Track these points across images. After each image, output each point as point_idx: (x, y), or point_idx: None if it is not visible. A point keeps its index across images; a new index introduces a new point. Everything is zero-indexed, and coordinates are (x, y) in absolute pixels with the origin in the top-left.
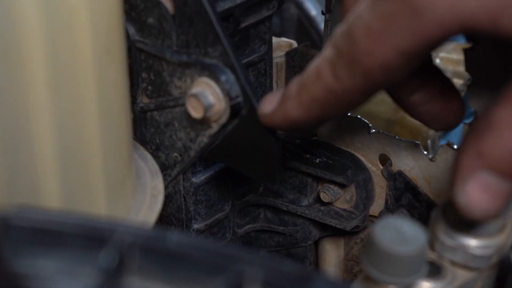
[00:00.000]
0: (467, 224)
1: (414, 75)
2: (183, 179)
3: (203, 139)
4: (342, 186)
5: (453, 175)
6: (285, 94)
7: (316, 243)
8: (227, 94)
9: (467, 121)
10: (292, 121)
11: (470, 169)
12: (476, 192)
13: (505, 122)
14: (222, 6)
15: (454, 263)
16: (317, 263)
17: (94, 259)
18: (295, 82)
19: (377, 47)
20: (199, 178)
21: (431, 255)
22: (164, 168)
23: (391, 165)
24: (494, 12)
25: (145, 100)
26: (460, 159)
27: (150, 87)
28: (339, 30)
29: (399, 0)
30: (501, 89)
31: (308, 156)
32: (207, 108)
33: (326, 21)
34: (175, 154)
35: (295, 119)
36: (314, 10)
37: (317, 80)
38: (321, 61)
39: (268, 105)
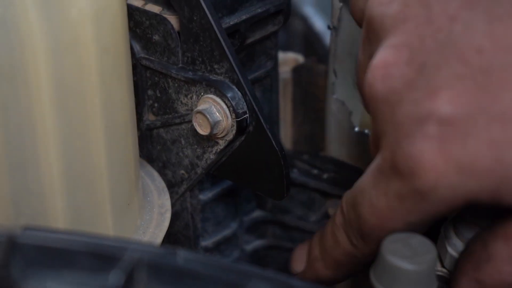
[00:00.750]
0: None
1: None
2: (190, 197)
3: (210, 156)
4: None
5: None
6: (311, 255)
7: None
8: (233, 110)
9: None
10: (325, 280)
11: None
12: None
13: (504, 258)
14: (228, 22)
15: None
16: None
17: (104, 279)
18: (317, 243)
19: (385, 223)
20: (206, 195)
21: (441, 271)
22: (171, 186)
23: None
24: (495, 190)
25: (151, 117)
26: (460, 283)
27: (156, 104)
28: (346, 198)
29: (402, 182)
30: (499, 222)
31: (316, 171)
32: (213, 125)
33: (332, 36)
34: (182, 171)
35: (327, 278)
36: (320, 25)
37: (336, 246)
38: (335, 227)
39: (299, 264)
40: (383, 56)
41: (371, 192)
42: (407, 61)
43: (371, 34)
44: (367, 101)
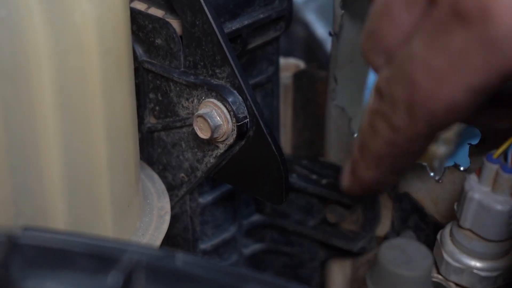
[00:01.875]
0: (472, 246)
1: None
2: (190, 200)
3: (210, 159)
4: (349, 207)
5: None
6: (352, 160)
7: (323, 264)
8: (234, 115)
9: (474, 142)
10: (370, 184)
11: None
12: None
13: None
14: (230, 27)
15: (459, 286)
16: (323, 284)
17: (103, 281)
18: (356, 143)
19: (444, 88)
20: (206, 199)
21: (437, 277)
22: (171, 189)
23: (397, 186)
24: None
25: (152, 120)
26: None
27: (157, 108)
28: (382, 76)
29: (470, 31)
30: None
31: (315, 177)
32: (214, 129)
33: (333, 43)
34: (182, 174)
35: (371, 181)
36: (321, 31)
37: (375, 136)
38: (371, 115)
39: (346, 180)
40: None
41: (425, 53)
42: None
43: None
44: None
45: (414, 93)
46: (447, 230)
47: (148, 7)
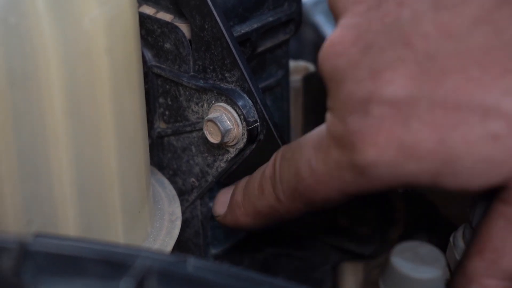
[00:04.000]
0: None
1: None
2: (201, 204)
3: (221, 164)
4: (361, 210)
5: None
6: (233, 200)
7: (335, 268)
8: (244, 119)
9: None
10: (243, 227)
11: None
12: None
13: (482, 273)
14: (239, 31)
15: None
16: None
17: (114, 287)
18: (240, 190)
19: (322, 188)
20: None
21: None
22: (182, 193)
23: (410, 189)
24: (433, 174)
25: (162, 125)
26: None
27: (167, 112)
28: (282, 152)
29: (343, 154)
30: (472, 238)
31: None
32: (224, 133)
33: None
34: (193, 179)
35: (245, 225)
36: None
37: (260, 196)
38: (263, 177)
39: (221, 208)
40: (332, 35)
41: (311, 154)
42: (353, 42)
43: (333, 16)
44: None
45: (298, 184)
46: (460, 232)
47: (157, 12)
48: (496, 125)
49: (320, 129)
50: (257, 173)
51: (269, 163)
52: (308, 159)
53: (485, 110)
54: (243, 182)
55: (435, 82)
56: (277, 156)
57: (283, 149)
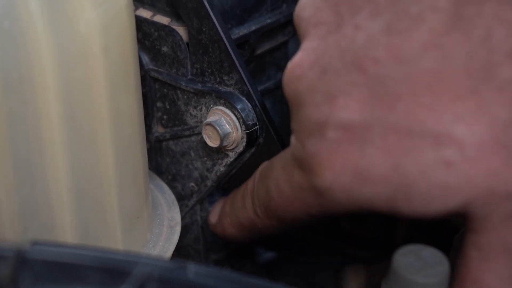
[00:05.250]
0: None
1: None
2: (201, 209)
3: (220, 168)
4: (363, 213)
5: None
6: (222, 210)
7: (337, 272)
8: (243, 122)
9: None
10: (229, 237)
11: None
12: None
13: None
14: (237, 33)
15: None
16: None
17: None
18: (229, 200)
19: (289, 208)
20: None
21: None
22: (181, 198)
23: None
24: (388, 200)
25: (160, 129)
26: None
27: (165, 116)
28: (261, 168)
29: (303, 175)
30: (454, 271)
31: None
32: (223, 137)
33: None
34: (192, 184)
35: (231, 236)
36: None
37: (242, 209)
38: (245, 191)
39: (214, 217)
40: (294, 59)
41: (279, 174)
42: (310, 65)
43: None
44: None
45: (269, 202)
46: (462, 234)
47: (154, 15)
48: (448, 152)
49: (286, 152)
50: (242, 186)
51: (251, 178)
52: (277, 179)
53: (437, 137)
54: (232, 194)
55: (387, 107)
56: (257, 172)
57: (262, 165)
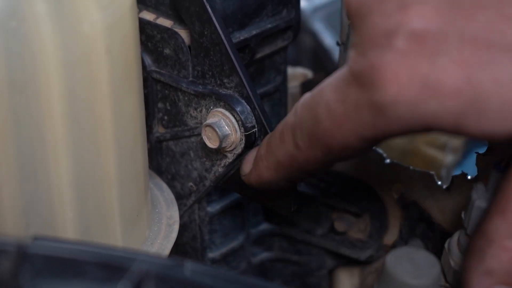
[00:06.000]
0: None
1: None
2: (199, 209)
3: (218, 169)
4: (357, 215)
5: None
6: (257, 154)
7: (331, 273)
8: (242, 124)
9: (481, 151)
10: (266, 182)
11: None
12: None
13: (503, 234)
14: (238, 37)
15: None
16: None
17: None
18: (265, 142)
19: (339, 130)
20: (214, 208)
21: (445, 286)
22: (180, 198)
23: (405, 195)
24: (457, 115)
25: (161, 129)
26: (470, 281)
27: (166, 117)
28: (304, 98)
29: (362, 92)
30: (492, 200)
31: (323, 185)
32: (222, 138)
33: (341, 52)
34: (191, 183)
35: (268, 180)
36: (329, 40)
37: (281, 145)
38: (284, 126)
39: (247, 165)
40: None
41: (330, 95)
42: None
43: None
44: (348, 15)
45: (316, 128)
46: (454, 238)
47: (157, 17)
48: None
49: (342, 69)
50: (280, 124)
51: (291, 111)
52: (327, 101)
53: None
54: (268, 135)
55: (466, 17)
56: (298, 103)
57: (305, 95)
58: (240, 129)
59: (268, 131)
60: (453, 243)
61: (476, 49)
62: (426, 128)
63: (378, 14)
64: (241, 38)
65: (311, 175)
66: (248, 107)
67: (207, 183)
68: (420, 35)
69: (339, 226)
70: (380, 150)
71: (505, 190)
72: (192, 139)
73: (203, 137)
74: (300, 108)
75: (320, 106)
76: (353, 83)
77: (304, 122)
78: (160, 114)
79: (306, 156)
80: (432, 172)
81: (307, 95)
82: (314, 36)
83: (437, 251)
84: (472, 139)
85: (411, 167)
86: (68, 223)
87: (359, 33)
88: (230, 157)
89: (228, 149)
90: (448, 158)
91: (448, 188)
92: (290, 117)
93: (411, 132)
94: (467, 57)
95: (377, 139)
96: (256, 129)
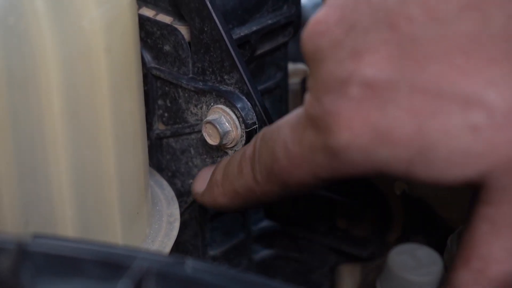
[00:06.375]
0: None
1: None
2: (199, 206)
3: None
4: (359, 212)
5: None
6: (212, 179)
7: (333, 270)
8: (243, 121)
9: None
10: (220, 207)
11: None
12: None
13: (469, 284)
14: (238, 33)
15: None
16: None
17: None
18: (221, 168)
19: (296, 170)
20: None
21: None
22: (180, 195)
23: (408, 191)
24: (407, 162)
25: (161, 127)
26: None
27: (166, 114)
28: (263, 133)
29: (317, 135)
30: (458, 249)
31: None
32: (223, 135)
33: None
34: (191, 181)
35: (222, 206)
36: None
37: (239, 176)
38: (243, 157)
39: (201, 185)
40: (317, 14)
41: (288, 135)
42: (337, 21)
43: None
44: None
45: (273, 164)
46: (457, 234)
47: (156, 14)
48: (477, 116)
49: (299, 111)
50: (238, 153)
51: (250, 143)
52: (284, 140)
53: (467, 100)
54: (224, 161)
55: (417, 67)
56: (257, 137)
57: (264, 130)
58: (240, 125)
59: None
60: (456, 240)
61: (426, 98)
62: (379, 173)
63: (332, 61)
64: (241, 34)
65: (266, 206)
66: (248, 103)
67: None
68: (372, 83)
69: (341, 223)
70: None
71: (466, 237)
72: (193, 136)
73: (204, 134)
74: (259, 142)
75: (277, 144)
76: (309, 126)
77: (262, 158)
78: (160, 111)
79: (263, 190)
80: None
81: (266, 130)
82: None
83: (440, 247)
84: (422, 184)
85: None
86: (67, 221)
87: (314, 78)
88: (231, 154)
89: (228, 146)
90: None
91: None
92: (249, 149)
93: (367, 176)
94: (417, 106)
95: (334, 179)
96: (257, 125)
